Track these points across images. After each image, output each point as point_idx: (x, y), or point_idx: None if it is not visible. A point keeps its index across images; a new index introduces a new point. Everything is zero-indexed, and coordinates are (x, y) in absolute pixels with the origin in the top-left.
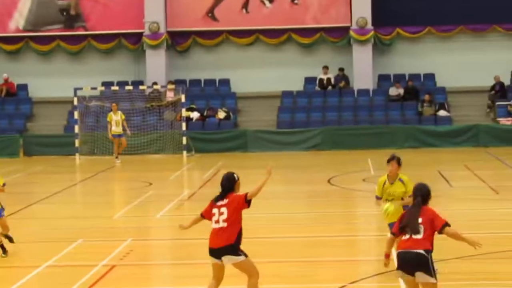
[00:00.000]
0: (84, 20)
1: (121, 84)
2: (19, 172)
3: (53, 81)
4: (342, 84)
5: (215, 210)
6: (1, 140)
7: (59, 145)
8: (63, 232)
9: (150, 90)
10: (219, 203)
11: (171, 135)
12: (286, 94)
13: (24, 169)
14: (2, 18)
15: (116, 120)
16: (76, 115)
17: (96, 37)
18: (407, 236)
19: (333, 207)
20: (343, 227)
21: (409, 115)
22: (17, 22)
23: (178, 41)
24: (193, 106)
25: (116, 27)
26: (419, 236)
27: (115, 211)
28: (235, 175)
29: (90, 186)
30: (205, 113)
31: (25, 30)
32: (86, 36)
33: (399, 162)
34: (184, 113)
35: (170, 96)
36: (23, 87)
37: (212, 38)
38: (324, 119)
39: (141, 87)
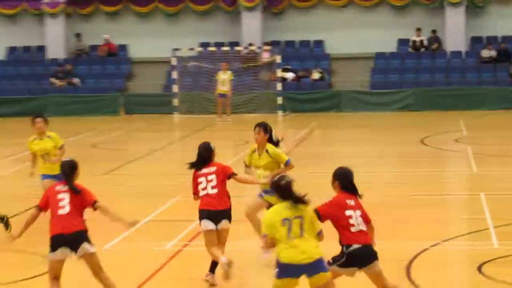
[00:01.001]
0: None
1: (218, 45)
2: (120, 130)
3: (152, 42)
4: (434, 46)
5: (201, 179)
6: (103, 98)
7: (158, 104)
8: (162, 188)
9: (246, 51)
10: (205, 171)
11: (267, 95)
12: (379, 56)
13: (124, 127)
14: None
15: (223, 79)
16: (174, 75)
17: None
18: (357, 229)
19: (426, 167)
20: (435, 186)
21: (502, 77)
22: None
23: (274, 3)
24: (288, 66)
25: None
26: (364, 228)
27: None
28: (211, 145)
29: (188, 144)
30: (299, 74)
31: None
32: None
33: (266, 130)
34: (279, 73)
35: (265, 57)
36: (123, 48)
37: (306, 0)
38: (416, 80)
39: (237, 48)
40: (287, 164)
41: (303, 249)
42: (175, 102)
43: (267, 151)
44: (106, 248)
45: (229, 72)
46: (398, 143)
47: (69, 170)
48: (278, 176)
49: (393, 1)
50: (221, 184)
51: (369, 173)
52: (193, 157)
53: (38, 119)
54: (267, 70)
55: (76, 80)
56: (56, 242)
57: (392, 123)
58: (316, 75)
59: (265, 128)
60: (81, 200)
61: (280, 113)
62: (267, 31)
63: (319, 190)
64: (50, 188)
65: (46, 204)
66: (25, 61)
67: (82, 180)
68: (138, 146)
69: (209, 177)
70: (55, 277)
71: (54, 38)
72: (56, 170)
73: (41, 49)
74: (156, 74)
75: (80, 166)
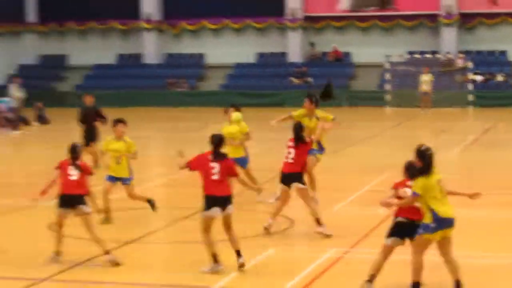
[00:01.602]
0: (394, 4)
1: (422, 53)
2: (344, 119)
3: (370, 50)
4: None
5: (288, 150)
6: None
7: (374, 99)
8: (373, 166)
9: (444, 58)
10: (290, 144)
11: (460, 93)
12: None
13: (347, 117)
14: (332, 1)
15: (425, 80)
16: (387, 76)
17: (403, 17)
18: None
19: None
20: None
21: None
22: (344, 4)
23: (467, 21)
24: (478, 71)
25: (418, 8)
26: None
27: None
28: (303, 125)
29: (398, 131)
30: (487, 77)
31: (349, 11)
32: (396, 16)
33: (311, 100)
34: (470, 76)
35: (459, 63)
36: (347, 54)
37: (493, 19)
38: None
39: (437, 56)
40: (334, 120)
41: (450, 206)
42: (387, 97)
43: (316, 116)
44: (335, 210)
45: (430, 75)
46: None
47: (218, 142)
48: (424, 146)
49: None
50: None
51: None
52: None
53: (231, 110)
54: (460, 74)
55: (310, 80)
56: (210, 202)
57: None
58: (500, 78)
59: (310, 98)
60: (228, 168)
61: (471, 107)
62: (462, 43)
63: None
64: (203, 156)
65: (193, 165)
66: (270, 64)
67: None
68: (356, 132)
69: (291, 150)
70: (206, 229)
71: (294, 46)
72: (238, 153)
73: (283, 54)
74: (372, 75)
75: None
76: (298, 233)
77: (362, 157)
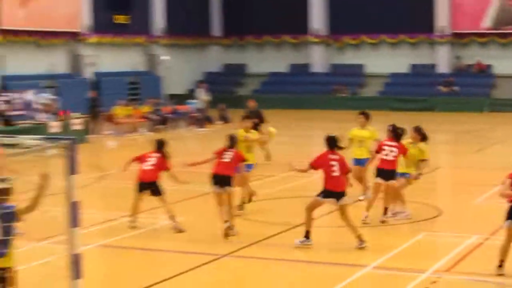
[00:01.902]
0: None
1: None
2: (485, 123)
3: (509, 63)
4: None
5: (389, 148)
6: (474, 101)
7: None
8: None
9: None
10: (388, 143)
11: None
12: None
13: (488, 121)
14: (476, 19)
15: None
16: None
17: None
18: None
19: None
20: None
21: None
22: (487, 22)
23: None
24: None
25: None
26: None
27: None
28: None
29: None
30: None
31: (491, 28)
32: None
33: (418, 132)
34: None
35: None
36: (489, 67)
37: None
38: None
39: None
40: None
41: None
42: None
43: (419, 148)
44: (477, 202)
45: None
46: None
47: (332, 142)
48: None
49: None
50: (396, 157)
51: None
52: None
53: (361, 116)
54: None
55: (456, 88)
56: (327, 193)
57: None
58: None
59: (417, 131)
60: (343, 165)
61: None
62: None
63: None
64: (324, 155)
65: (316, 165)
66: (422, 74)
67: (466, 155)
68: (498, 133)
69: (393, 149)
70: (311, 209)
71: (442, 58)
72: (362, 154)
73: (433, 66)
74: (511, 85)
75: (456, 146)
76: (445, 220)
77: (502, 156)
